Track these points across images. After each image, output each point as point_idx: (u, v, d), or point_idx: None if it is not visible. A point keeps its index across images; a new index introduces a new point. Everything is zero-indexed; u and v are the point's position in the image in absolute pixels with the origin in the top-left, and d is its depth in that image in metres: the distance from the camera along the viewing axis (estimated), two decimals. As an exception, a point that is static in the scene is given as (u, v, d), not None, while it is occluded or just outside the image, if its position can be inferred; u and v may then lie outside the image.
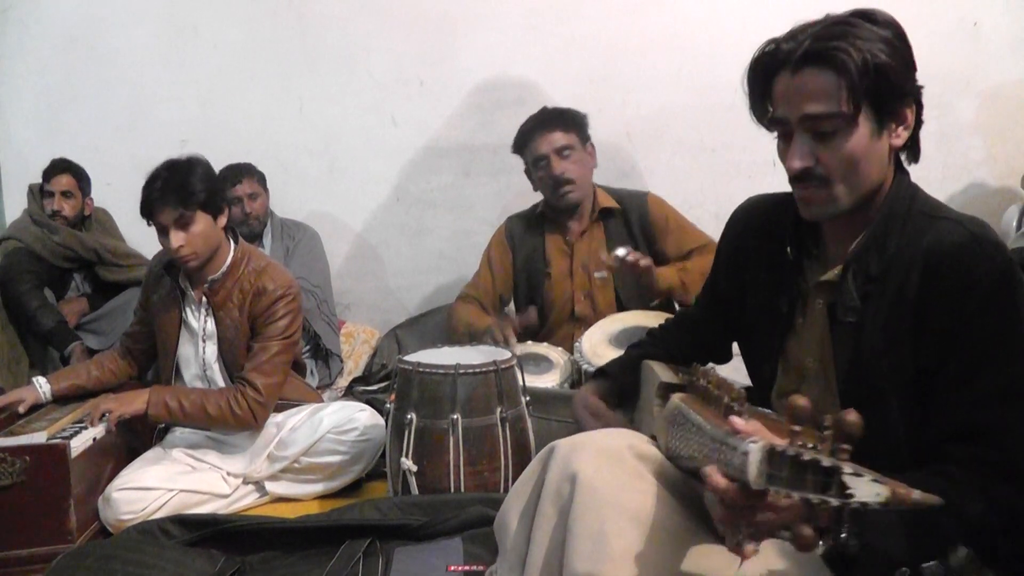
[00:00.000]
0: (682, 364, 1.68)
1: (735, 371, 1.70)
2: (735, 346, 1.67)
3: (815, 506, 0.78)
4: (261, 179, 3.28)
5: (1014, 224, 3.04)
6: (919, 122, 1.23)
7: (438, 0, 3.44)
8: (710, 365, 1.66)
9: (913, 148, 1.26)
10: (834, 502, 0.75)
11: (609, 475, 1.16)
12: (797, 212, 1.31)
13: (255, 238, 3.27)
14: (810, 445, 0.80)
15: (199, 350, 2.38)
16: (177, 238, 2.20)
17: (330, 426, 2.30)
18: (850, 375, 1.24)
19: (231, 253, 2.34)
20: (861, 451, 1.22)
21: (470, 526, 1.87)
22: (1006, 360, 1.12)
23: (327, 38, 3.48)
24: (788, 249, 1.35)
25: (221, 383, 2.37)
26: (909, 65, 1.20)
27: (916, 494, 0.72)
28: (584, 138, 2.76)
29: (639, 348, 1.75)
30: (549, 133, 2.71)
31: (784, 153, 1.25)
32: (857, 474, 0.73)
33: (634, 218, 2.78)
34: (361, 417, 2.35)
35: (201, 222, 2.23)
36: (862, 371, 1.22)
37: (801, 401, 0.84)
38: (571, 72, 3.43)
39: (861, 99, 1.16)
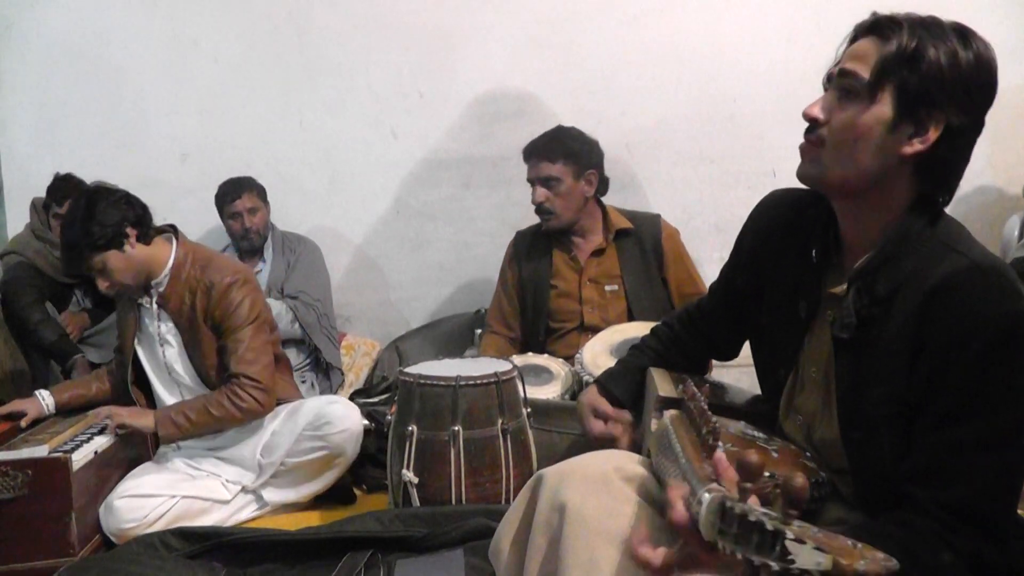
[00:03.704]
0: (685, 365, 1.67)
1: (743, 374, 1.70)
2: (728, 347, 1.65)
3: (757, 567, 0.77)
4: (261, 193, 3.29)
5: (1015, 234, 3.03)
6: (948, 158, 1.16)
7: (437, 13, 3.46)
8: (705, 384, 1.65)
9: (936, 180, 1.18)
10: (775, 566, 0.74)
11: (597, 502, 1.15)
12: (826, 213, 1.29)
13: (256, 252, 3.28)
14: (763, 507, 0.80)
15: (160, 354, 2.39)
16: (102, 284, 2.27)
17: (304, 424, 2.30)
18: (848, 398, 1.22)
19: (172, 255, 2.33)
20: (857, 478, 1.21)
21: (472, 537, 1.87)
22: (994, 412, 1.07)
23: (327, 51, 3.50)
24: (813, 252, 1.31)
25: (190, 382, 2.38)
26: (956, 89, 1.14)
27: (860, 564, 0.70)
28: (582, 168, 2.76)
29: (640, 352, 1.72)
30: (538, 161, 2.77)
31: None
32: (800, 540, 0.73)
33: (647, 240, 2.83)
34: (332, 410, 2.32)
35: (110, 260, 2.23)
36: (859, 396, 1.19)
37: (753, 458, 0.84)
38: (570, 84, 3.44)
39: (885, 78, 1.15)
